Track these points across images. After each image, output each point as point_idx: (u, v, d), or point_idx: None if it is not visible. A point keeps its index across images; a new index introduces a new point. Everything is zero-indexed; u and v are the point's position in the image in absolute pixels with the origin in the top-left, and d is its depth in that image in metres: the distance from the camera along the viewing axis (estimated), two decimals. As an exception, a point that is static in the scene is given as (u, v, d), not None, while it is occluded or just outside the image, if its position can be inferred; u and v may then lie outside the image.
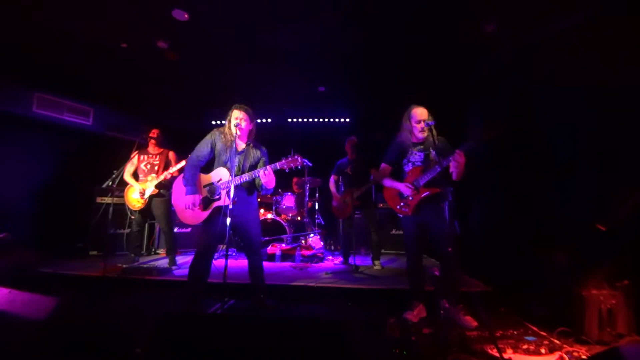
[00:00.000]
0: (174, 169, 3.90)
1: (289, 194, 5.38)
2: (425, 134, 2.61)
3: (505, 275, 3.12)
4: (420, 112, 2.63)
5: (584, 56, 2.63)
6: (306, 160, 4.73)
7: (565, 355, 1.92)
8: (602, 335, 2.15)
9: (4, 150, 4.28)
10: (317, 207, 5.58)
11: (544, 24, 2.97)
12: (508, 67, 3.58)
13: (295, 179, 5.71)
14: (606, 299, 2.19)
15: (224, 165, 2.63)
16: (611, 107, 2.42)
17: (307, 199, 5.23)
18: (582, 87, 2.63)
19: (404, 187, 2.61)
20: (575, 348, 2.06)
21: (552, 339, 2.22)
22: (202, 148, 2.68)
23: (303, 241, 4.94)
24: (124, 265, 3.84)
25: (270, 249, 4.66)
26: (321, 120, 6.32)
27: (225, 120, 2.70)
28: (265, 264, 4.30)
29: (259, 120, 6.23)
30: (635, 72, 2.25)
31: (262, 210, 5.35)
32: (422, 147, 2.67)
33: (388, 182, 2.76)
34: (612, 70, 2.38)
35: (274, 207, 5.33)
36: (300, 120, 6.33)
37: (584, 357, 1.94)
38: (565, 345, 2.11)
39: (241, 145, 2.72)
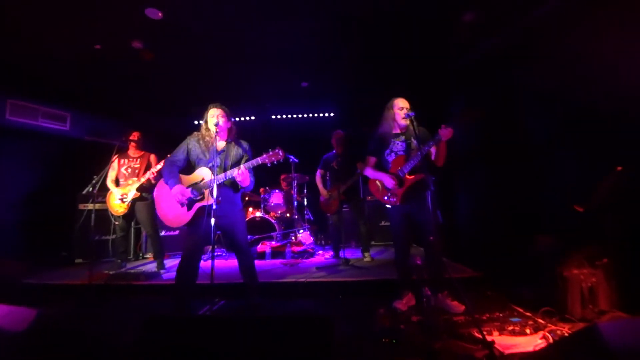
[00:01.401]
0: (154, 169, 3.82)
1: (277, 191, 5.36)
2: (407, 122, 2.63)
3: (492, 260, 3.19)
4: (402, 101, 2.72)
5: (562, 43, 2.68)
6: (292, 157, 4.75)
7: (548, 334, 1.97)
8: (585, 312, 2.21)
9: (-22, 160, 4.14)
10: (305, 203, 5.57)
11: (523, 11, 3.01)
12: (491, 56, 3.62)
13: (283, 176, 5.69)
14: (587, 277, 2.25)
15: (206, 165, 2.59)
16: (589, 94, 2.47)
17: (295, 196, 5.22)
18: (560, 77, 2.68)
19: (387, 179, 2.62)
20: (559, 327, 2.13)
21: (536, 319, 2.28)
22: (177, 153, 2.66)
23: (293, 237, 4.93)
24: (111, 272, 3.77)
25: (260, 247, 4.64)
26: (305, 115, 6.28)
27: (202, 120, 2.67)
28: (256, 262, 4.23)
29: (242, 118, 6.23)
30: (614, 58, 2.29)
31: (250, 209, 5.32)
32: (403, 137, 2.70)
33: (372, 173, 2.77)
34: (590, 57, 2.43)
35: (262, 205, 5.30)
36: (284, 116, 6.28)
37: (567, 334, 1.99)
38: (549, 325, 2.17)
39: (221, 144, 2.68)
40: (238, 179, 2.49)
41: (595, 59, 2.40)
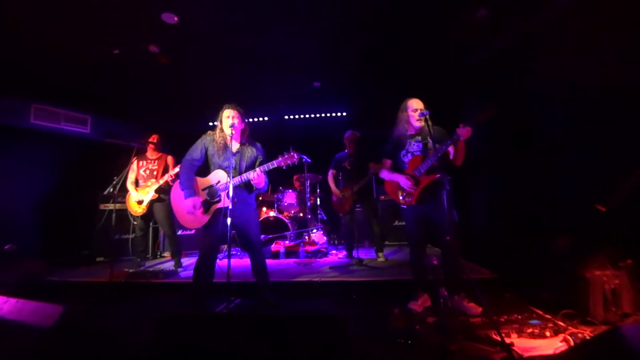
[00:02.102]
0: (172, 172, 3.91)
1: (290, 191, 5.39)
2: (422, 124, 2.61)
3: (510, 261, 3.12)
4: (416, 102, 2.67)
5: (577, 39, 2.61)
6: (305, 157, 4.78)
7: (569, 337, 1.92)
8: (608, 315, 2.15)
9: (4, 161, 4.32)
10: (318, 202, 5.59)
11: (536, 9, 2.95)
12: (501, 56, 3.56)
13: (296, 176, 5.72)
14: (610, 279, 2.19)
15: (221, 167, 2.64)
16: (608, 89, 2.40)
17: (308, 195, 5.24)
18: (578, 75, 2.61)
19: (403, 180, 2.60)
20: (580, 329, 2.07)
21: (556, 321, 2.22)
22: (194, 151, 2.69)
23: (306, 237, 4.96)
24: (130, 270, 3.87)
25: (274, 247, 4.68)
26: (318, 115, 6.29)
27: (217, 121, 2.71)
28: (270, 261, 4.33)
29: (255, 119, 6.29)
30: (628, 53, 2.23)
31: (264, 209, 5.37)
32: (419, 137, 2.67)
33: (387, 175, 2.76)
34: (606, 51, 2.36)
35: (275, 205, 5.35)
36: (297, 117, 6.30)
37: (588, 337, 1.94)
38: (570, 327, 2.11)
39: (235, 146, 2.72)
40: (254, 181, 2.52)
41: (609, 57, 2.33)
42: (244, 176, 2.54)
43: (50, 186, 4.76)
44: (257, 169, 2.51)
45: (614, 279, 2.18)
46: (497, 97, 3.63)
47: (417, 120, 2.62)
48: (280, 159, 2.50)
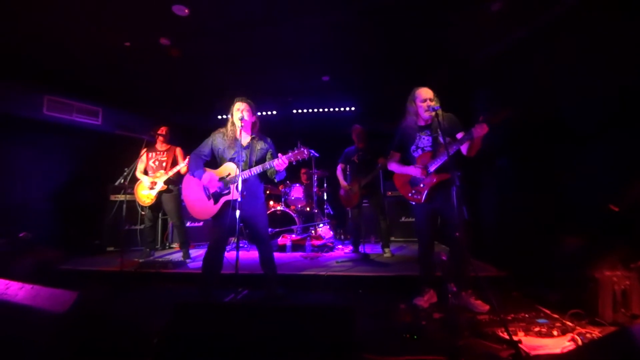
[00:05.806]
0: (182, 164, 3.96)
1: (298, 185, 5.41)
2: (431, 114, 2.51)
3: (518, 259, 3.10)
4: (424, 92, 2.59)
5: (602, 28, 2.54)
6: (313, 151, 4.78)
7: (577, 337, 1.91)
8: (617, 316, 2.13)
9: (19, 152, 4.41)
10: (325, 197, 5.60)
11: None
12: (516, 49, 3.48)
13: (303, 170, 5.73)
14: (620, 280, 2.16)
15: (231, 160, 2.66)
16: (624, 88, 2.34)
17: (315, 190, 5.25)
18: (598, 66, 2.54)
19: (413, 170, 2.58)
20: (588, 330, 2.05)
21: (564, 321, 2.21)
22: (203, 147, 2.75)
23: (313, 231, 4.98)
24: (140, 260, 3.95)
25: (280, 240, 4.71)
26: (327, 110, 6.26)
27: (228, 114, 2.72)
28: (276, 254, 4.35)
29: (264, 113, 6.30)
30: None
31: (271, 202, 5.40)
32: (429, 130, 2.62)
33: (396, 168, 2.73)
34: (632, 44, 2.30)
35: (283, 199, 5.37)
36: (305, 111, 6.28)
37: (597, 337, 1.92)
38: (578, 327, 2.10)
39: (246, 139, 2.74)
40: (279, 168, 2.54)
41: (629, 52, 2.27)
42: (253, 170, 2.56)
43: (62, 177, 4.85)
44: (282, 156, 2.51)
45: (625, 280, 2.15)
46: (511, 94, 3.56)
47: (426, 111, 2.54)
48: (290, 154, 2.51)
